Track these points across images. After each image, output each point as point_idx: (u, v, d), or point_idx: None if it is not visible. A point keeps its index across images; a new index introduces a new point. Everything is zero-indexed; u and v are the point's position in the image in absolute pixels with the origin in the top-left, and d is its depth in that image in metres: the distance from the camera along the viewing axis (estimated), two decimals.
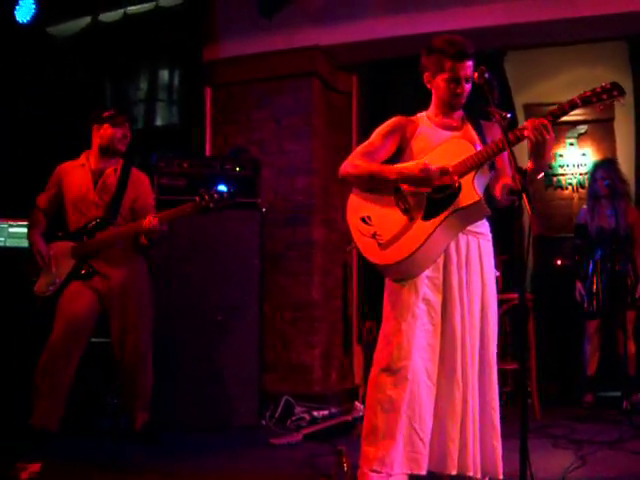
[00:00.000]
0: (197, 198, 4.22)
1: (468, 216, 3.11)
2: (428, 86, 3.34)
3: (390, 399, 3.08)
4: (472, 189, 3.02)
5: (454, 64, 3.18)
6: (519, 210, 2.76)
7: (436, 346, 3.14)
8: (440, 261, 3.16)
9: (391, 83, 6.61)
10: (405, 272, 3.15)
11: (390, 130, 3.32)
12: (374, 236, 3.18)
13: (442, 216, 3.05)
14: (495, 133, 3.24)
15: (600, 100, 2.90)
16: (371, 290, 6.25)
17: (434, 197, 3.09)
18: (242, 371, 5.10)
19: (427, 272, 3.15)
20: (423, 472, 3.06)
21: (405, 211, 3.13)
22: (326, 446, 4.19)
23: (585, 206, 6.03)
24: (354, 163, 3.28)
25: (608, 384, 5.91)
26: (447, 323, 3.15)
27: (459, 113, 3.35)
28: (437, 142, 3.24)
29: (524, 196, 2.60)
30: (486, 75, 3.11)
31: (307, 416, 5.12)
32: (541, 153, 2.97)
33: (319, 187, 6.07)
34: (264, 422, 5.13)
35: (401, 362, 3.07)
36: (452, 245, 3.17)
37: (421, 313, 3.13)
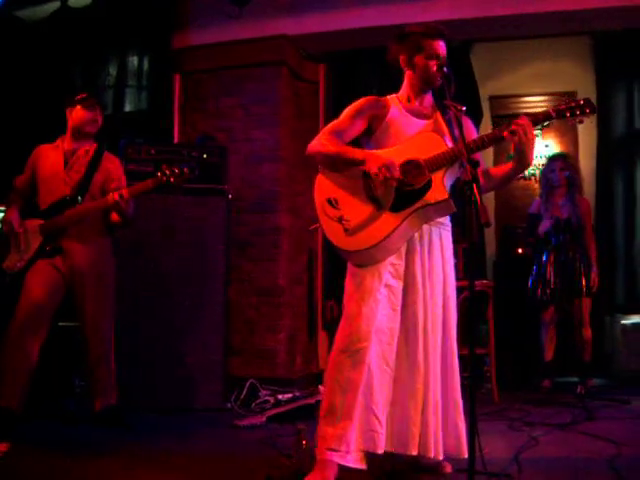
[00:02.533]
0: (159, 173, 4.26)
1: (434, 212, 3.19)
2: (403, 67, 3.40)
3: (348, 380, 3.15)
4: (442, 186, 3.10)
5: (432, 42, 3.29)
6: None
7: (395, 330, 3.22)
8: (403, 249, 3.24)
9: (358, 73, 6.70)
10: (367, 259, 3.22)
11: (359, 110, 3.36)
12: (340, 220, 3.22)
13: (410, 210, 3.12)
14: (467, 125, 3.37)
15: (573, 115, 3.00)
16: (333, 270, 6.37)
17: (403, 189, 3.14)
18: (207, 355, 5.17)
19: (390, 258, 3.22)
20: (380, 451, 3.14)
21: (373, 199, 3.18)
22: (288, 427, 4.26)
23: (538, 197, 6.16)
24: (322, 142, 3.28)
25: (566, 370, 6.07)
26: (409, 309, 3.24)
27: (429, 100, 3.41)
28: (408, 129, 3.30)
29: (474, 186, 2.69)
30: (444, 69, 3.22)
31: (271, 399, 5.18)
32: (523, 153, 3.06)
33: (285, 175, 6.15)
34: (229, 405, 5.18)
35: (360, 344, 3.14)
36: (415, 234, 3.25)
37: (382, 298, 3.20)
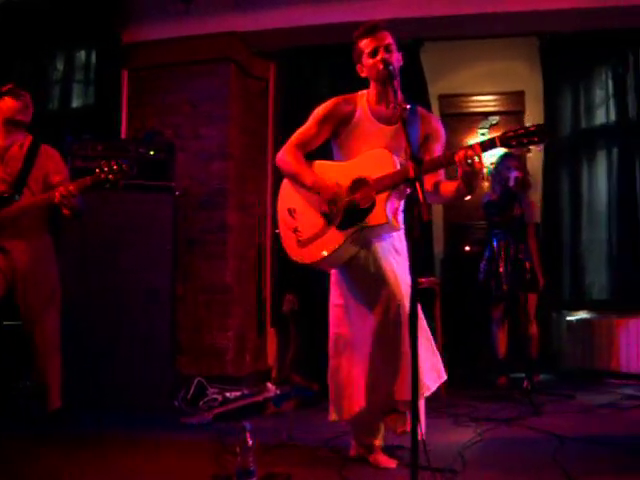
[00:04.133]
0: (97, 170, 4.18)
1: (377, 233, 3.26)
2: (363, 76, 3.42)
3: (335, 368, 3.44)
4: (383, 210, 3.13)
5: (369, 38, 3.31)
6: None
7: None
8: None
9: (309, 70, 6.68)
10: (316, 268, 3.39)
11: (325, 116, 3.41)
12: (295, 231, 3.36)
13: (351, 231, 3.20)
14: (428, 124, 3.42)
15: (520, 144, 2.87)
16: (286, 263, 6.32)
17: (351, 208, 3.21)
18: (155, 353, 5.13)
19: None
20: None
21: (324, 215, 3.27)
22: (236, 425, 4.24)
23: (489, 191, 6.22)
24: (285, 158, 3.42)
25: (514, 366, 6.13)
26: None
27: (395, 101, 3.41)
28: (371, 135, 3.35)
29: (417, 185, 2.67)
30: (390, 67, 3.23)
31: (219, 397, 5.15)
32: (467, 180, 3.02)
33: (234, 172, 6.11)
34: (176, 403, 5.14)
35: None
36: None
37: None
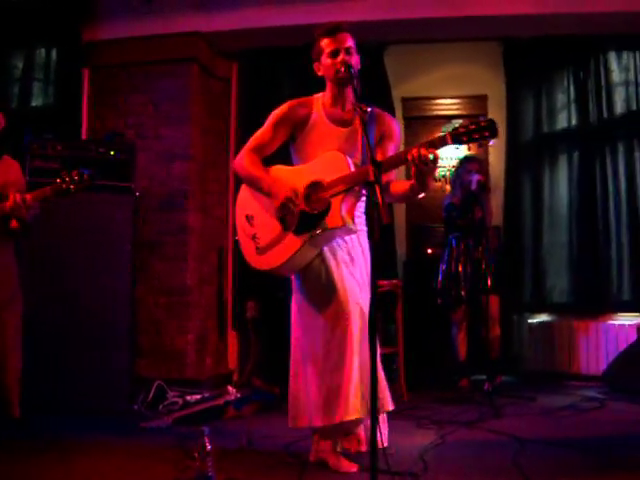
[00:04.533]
0: (58, 180, 4.11)
1: (333, 236, 3.26)
2: (319, 75, 3.41)
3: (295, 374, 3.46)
4: (338, 213, 3.11)
5: (330, 39, 3.30)
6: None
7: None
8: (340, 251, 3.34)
9: (272, 71, 6.66)
10: (276, 274, 3.39)
11: (281, 119, 3.41)
12: (254, 238, 3.35)
13: (308, 235, 3.17)
14: (382, 123, 3.41)
15: (471, 140, 2.83)
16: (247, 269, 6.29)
17: (307, 212, 3.19)
18: (114, 356, 5.05)
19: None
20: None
21: (281, 220, 3.24)
22: (195, 429, 4.20)
23: (450, 194, 6.24)
24: (243, 162, 3.40)
25: (479, 368, 6.15)
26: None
27: (351, 100, 3.35)
28: (327, 138, 3.34)
29: (376, 188, 2.65)
30: (351, 70, 3.22)
31: (179, 400, 5.10)
32: (421, 179, 3.03)
33: (195, 173, 6.07)
34: (136, 407, 5.08)
35: None
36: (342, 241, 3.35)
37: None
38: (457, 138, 2.83)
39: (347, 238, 3.36)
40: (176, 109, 6.06)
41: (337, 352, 3.23)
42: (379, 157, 3.29)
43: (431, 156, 2.89)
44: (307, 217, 3.19)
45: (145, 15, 6.10)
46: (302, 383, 3.44)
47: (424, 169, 2.94)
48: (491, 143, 2.86)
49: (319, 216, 3.16)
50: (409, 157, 2.93)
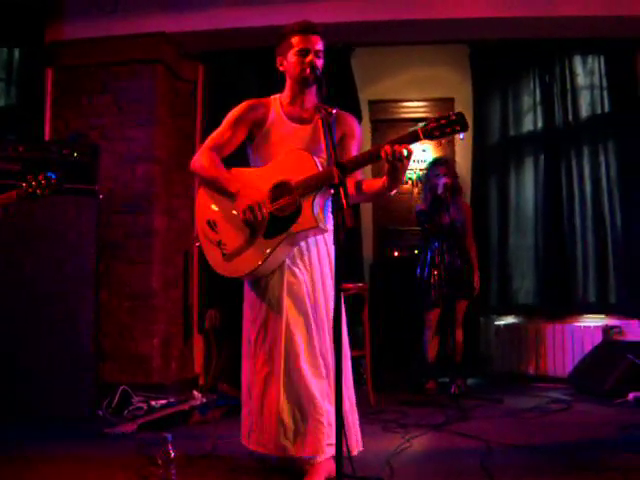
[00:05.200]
0: (24, 184, 4.04)
1: (306, 236, 3.19)
2: (281, 69, 3.36)
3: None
4: (310, 213, 3.03)
5: (302, 37, 3.24)
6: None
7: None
8: (297, 256, 3.25)
9: (238, 73, 6.62)
10: (247, 279, 3.28)
11: (238, 117, 3.33)
12: (219, 244, 3.21)
13: (281, 238, 3.08)
14: (344, 123, 3.36)
15: (443, 135, 2.82)
16: (211, 275, 6.24)
17: (276, 214, 3.10)
18: (78, 361, 4.95)
19: (288, 262, 3.22)
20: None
21: (248, 224, 3.13)
22: (159, 435, 4.15)
23: (421, 201, 6.23)
24: (201, 162, 3.28)
25: (446, 371, 6.16)
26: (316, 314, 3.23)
27: (312, 101, 3.34)
28: (287, 137, 3.28)
29: (341, 190, 2.63)
30: (317, 72, 3.18)
31: (144, 406, 5.02)
32: (395, 175, 2.99)
33: (160, 175, 6.00)
34: (100, 412, 5.00)
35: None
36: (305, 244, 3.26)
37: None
38: (429, 133, 2.83)
39: (311, 240, 3.29)
40: (141, 110, 5.98)
41: (262, 381, 3.21)
42: (343, 157, 3.25)
43: (405, 152, 2.87)
44: (277, 220, 3.10)
45: (110, 15, 6.02)
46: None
47: (399, 165, 2.92)
48: (461, 137, 2.82)
49: (290, 218, 3.07)
50: (383, 154, 2.89)
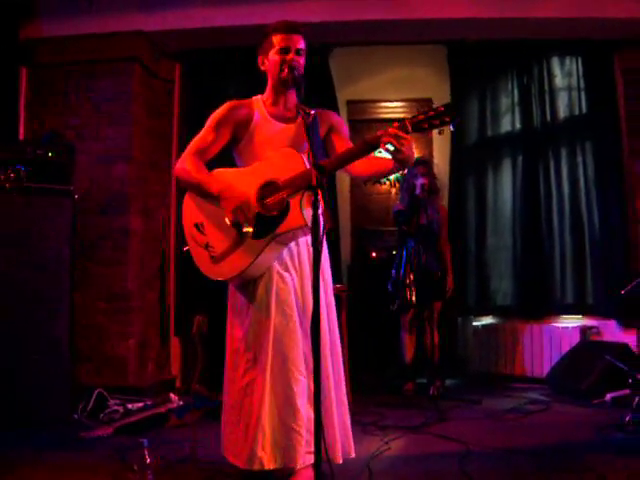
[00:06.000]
0: None
1: (295, 236, 3.15)
2: (263, 69, 3.33)
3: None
4: (299, 212, 2.98)
5: (283, 36, 3.21)
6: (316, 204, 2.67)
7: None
8: (288, 261, 3.22)
9: (215, 72, 6.57)
10: (236, 282, 3.22)
11: (221, 120, 3.29)
12: (207, 247, 3.17)
13: (269, 238, 3.03)
14: (327, 120, 3.36)
15: (432, 126, 2.77)
16: (193, 280, 6.20)
17: (264, 214, 3.05)
18: (53, 363, 4.88)
19: (278, 268, 3.18)
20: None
21: (235, 226, 3.08)
22: (136, 439, 4.11)
23: (399, 201, 6.22)
24: (185, 166, 3.24)
25: (424, 372, 6.16)
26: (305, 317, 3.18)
27: (293, 101, 3.29)
28: (273, 136, 3.25)
29: (319, 192, 2.61)
30: (296, 72, 3.16)
31: (121, 409, 4.98)
32: (403, 161, 2.92)
33: (137, 175, 5.93)
34: (76, 416, 4.94)
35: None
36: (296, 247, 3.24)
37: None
38: (417, 125, 2.79)
39: (302, 241, 3.25)
40: (117, 110, 5.91)
41: (241, 391, 3.18)
42: (338, 149, 3.28)
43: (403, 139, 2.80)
44: (265, 219, 3.05)
45: (86, 13, 5.94)
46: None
47: (402, 149, 2.83)
48: (451, 128, 2.76)
49: (279, 217, 3.02)
50: (382, 147, 2.85)
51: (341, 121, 3.49)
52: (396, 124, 2.83)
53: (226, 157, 3.42)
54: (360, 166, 3.22)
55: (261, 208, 3.06)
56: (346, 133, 3.44)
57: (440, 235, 6.04)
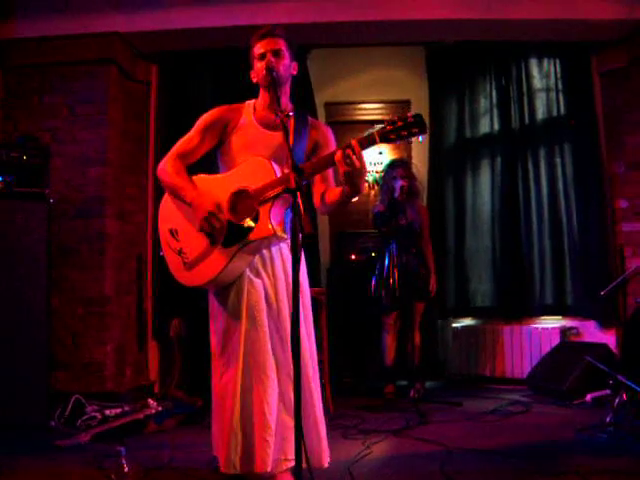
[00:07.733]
0: None
1: (263, 245, 3.15)
2: (254, 81, 3.32)
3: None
4: (267, 221, 2.98)
5: (259, 43, 3.23)
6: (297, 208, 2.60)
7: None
8: (260, 266, 3.20)
9: (193, 74, 6.51)
10: (209, 288, 3.24)
11: (209, 124, 3.30)
12: (180, 253, 3.19)
13: (238, 246, 3.03)
14: (317, 132, 3.34)
15: (400, 138, 2.74)
16: (170, 283, 6.14)
17: (234, 222, 3.05)
18: (29, 369, 4.82)
19: (249, 274, 3.16)
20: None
21: (207, 233, 3.09)
22: (114, 447, 4.05)
23: (379, 202, 6.19)
24: (167, 168, 3.25)
25: (405, 374, 6.15)
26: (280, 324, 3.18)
27: (287, 108, 3.28)
28: (256, 142, 3.23)
29: (298, 195, 2.57)
30: (273, 73, 3.14)
31: (99, 415, 4.90)
32: (352, 181, 2.88)
33: (113, 178, 5.86)
34: (53, 423, 4.86)
35: None
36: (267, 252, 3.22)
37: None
38: (385, 137, 2.75)
39: (275, 248, 3.24)
40: (93, 112, 5.84)
41: (219, 394, 3.19)
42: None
43: (355, 156, 2.78)
44: (235, 228, 3.04)
45: (62, 14, 5.87)
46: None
47: (350, 170, 2.82)
48: (420, 140, 2.73)
49: (248, 226, 3.02)
50: (335, 158, 2.83)
51: (330, 140, 3.41)
52: (355, 140, 2.79)
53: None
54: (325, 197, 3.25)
55: (232, 216, 3.06)
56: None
57: (422, 236, 6.03)
